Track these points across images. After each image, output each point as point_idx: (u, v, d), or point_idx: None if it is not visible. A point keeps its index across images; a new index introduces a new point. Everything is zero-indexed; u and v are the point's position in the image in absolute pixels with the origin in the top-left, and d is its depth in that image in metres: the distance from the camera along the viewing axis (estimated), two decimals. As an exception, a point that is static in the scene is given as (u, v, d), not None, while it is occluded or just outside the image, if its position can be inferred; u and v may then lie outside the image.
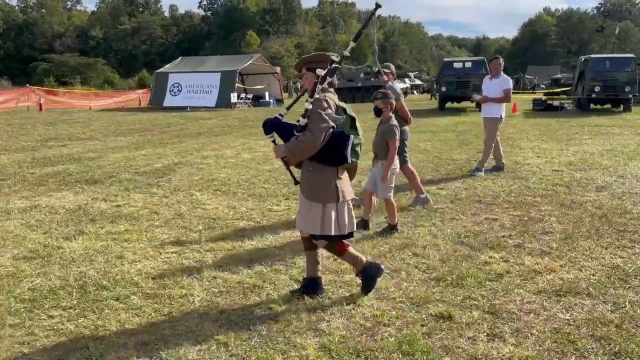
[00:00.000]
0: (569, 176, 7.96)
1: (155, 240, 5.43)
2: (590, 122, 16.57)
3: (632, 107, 19.78)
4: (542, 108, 21.74)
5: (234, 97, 27.16)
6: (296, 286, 4.04)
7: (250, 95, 29.48)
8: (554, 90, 27.62)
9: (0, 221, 6.39)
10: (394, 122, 5.34)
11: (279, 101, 31.70)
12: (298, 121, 3.50)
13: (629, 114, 19.25)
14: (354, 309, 3.64)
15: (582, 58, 21.98)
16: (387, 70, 6.39)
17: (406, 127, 6.37)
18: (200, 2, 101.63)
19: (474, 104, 23.26)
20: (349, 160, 3.53)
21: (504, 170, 8.50)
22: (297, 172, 3.83)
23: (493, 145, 8.51)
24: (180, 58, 31.87)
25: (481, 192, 7.14)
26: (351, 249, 3.83)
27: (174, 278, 4.33)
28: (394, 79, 6.46)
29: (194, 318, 3.59)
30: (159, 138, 15.34)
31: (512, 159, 9.72)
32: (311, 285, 3.85)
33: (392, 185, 5.48)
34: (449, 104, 23.28)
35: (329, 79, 3.50)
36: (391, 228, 5.42)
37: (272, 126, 3.63)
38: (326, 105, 3.45)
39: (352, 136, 3.51)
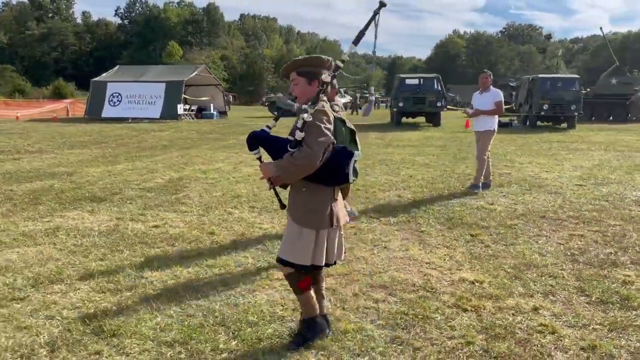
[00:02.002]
0: (597, 191, 8.16)
1: (246, 265, 4.86)
2: (550, 138, 17.40)
3: (576, 124, 21.09)
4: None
5: (180, 109, 25.98)
6: (464, 318, 3.71)
7: (194, 107, 28.33)
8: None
9: (28, 246, 5.52)
10: None
11: (222, 113, 30.81)
12: (293, 135, 2.98)
13: (574, 130, 20.49)
14: (558, 340, 3.37)
15: (530, 77, 23.20)
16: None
17: None
18: (116, 10, 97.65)
19: (424, 120, 23.90)
20: (351, 180, 3.07)
21: (490, 188, 8.34)
22: (283, 193, 3.28)
23: (486, 159, 8.35)
24: (117, 67, 30.03)
25: (533, 207, 7.11)
26: (312, 292, 3.29)
27: (319, 310, 3.83)
28: (336, 94, 6.07)
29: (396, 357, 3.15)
30: (124, 151, 14.24)
31: (523, 172, 9.89)
32: (311, 327, 3.33)
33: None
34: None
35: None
36: None
37: (258, 140, 3.11)
38: (326, 117, 2.99)
39: (356, 152, 3.07)
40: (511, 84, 36.45)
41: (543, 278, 4.47)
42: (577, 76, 22.92)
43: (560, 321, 3.63)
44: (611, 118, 26.92)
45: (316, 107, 2.94)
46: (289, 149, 2.97)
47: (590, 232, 5.90)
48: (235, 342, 3.33)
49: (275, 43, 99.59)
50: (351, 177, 3.06)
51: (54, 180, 9.52)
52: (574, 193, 7.99)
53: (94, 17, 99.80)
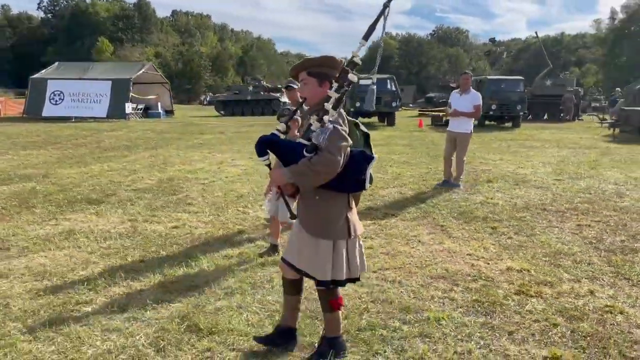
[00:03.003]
0: (576, 185, 8.76)
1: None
2: (503, 136, 18.32)
3: (520, 123, 22.32)
4: (441, 124, 23.55)
5: (128, 108, 25.13)
6: (534, 303, 3.98)
7: (141, 106, 27.47)
8: (441, 108, 29.96)
9: (52, 250, 5.35)
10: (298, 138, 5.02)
11: (169, 112, 30.07)
12: (307, 139, 2.81)
13: (519, 129, 21.67)
14: (630, 319, 3.70)
15: (479, 79, 24.26)
16: (294, 86, 5.61)
17: None
18: (39, 4, 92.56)
19: (376, 119, 24.47)
20: (367, 187, 2.93)
21: (449, 186, 8.48)
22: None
23: (466, 158, 8.70)
24: (57, 63, 28.49)
25: (530, 200, 7.55)
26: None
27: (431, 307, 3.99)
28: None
29: (499, 340, 3.37)
30: (86, 151, 13.69)
31: (501, 169, 10.44)
32: (285, 337, 3.27)
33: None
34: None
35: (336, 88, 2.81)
36: (274, 248, 5.15)
37: (268, 145, 2.88)
38: (342, 120, 2.83)
39: (375, 157, 2.93)
40: (452, 85, 37.85)
41: (579, 265, 4.83)
42: (521, 78, 24.23)
43: (619, 302, 3.98)
44: (546, 117, 28.64)
45: (338, 110, 2.79)
46: (305, 153, 2.76)
47: (593, 222, 6.38)
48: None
49: (210, 40, 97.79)
50: (367, 184, 2.92)
51: (30, 182, 9.08)
52: (558, 187, 8.55)
53: (15, 11, 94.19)
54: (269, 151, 2.90)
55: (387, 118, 23.35)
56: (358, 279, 3.10)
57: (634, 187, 8.61)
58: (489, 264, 4.88)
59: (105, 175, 9.75)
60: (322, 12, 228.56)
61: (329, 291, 3.07)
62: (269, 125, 22.57)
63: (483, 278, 4.49)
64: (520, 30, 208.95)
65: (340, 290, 3.21)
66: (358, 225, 3.03)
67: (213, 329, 3.49)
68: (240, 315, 3.72)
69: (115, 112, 24.91)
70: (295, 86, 5.63)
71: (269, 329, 3.49)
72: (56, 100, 25.15)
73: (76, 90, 25.22)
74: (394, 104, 22.66)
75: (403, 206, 7.25)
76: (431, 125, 23.78)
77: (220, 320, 3.62)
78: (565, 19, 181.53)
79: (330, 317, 3.14)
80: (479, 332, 3.47)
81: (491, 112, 21.87)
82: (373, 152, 3.01)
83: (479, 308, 3.86)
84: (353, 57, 2.79)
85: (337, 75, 2.82)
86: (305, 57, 3.00)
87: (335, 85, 2.80)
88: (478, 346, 3.29)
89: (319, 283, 3.03)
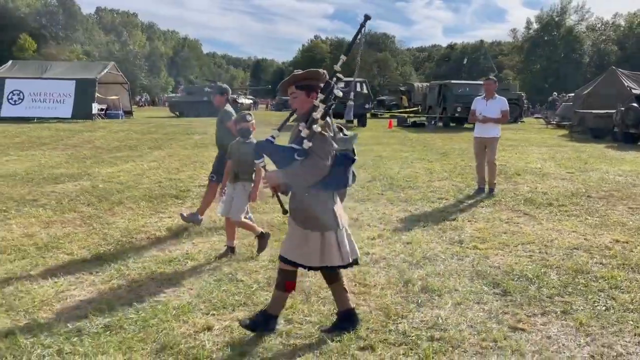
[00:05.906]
0: (590, 176, 10.04)
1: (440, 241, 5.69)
2: (474, 136, 19.79)
3: (482, 125, 24.09)
4: (408, 125, 24.98)
5: (95, 108, 24.55)
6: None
7: (104, 106, 26.87)
8: (407, 110, 31.46)
9: (209, 236, 5.80)
10: (254, 141, 4.97)
11: (128, 113, 29.50)
12: (298, 144, 3.16)
13: (481, 130, 23.40)
14: None
15: (444, 83, 25.86)
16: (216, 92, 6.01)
17: None
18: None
19: (344, 120, 25.42)
20: (350, 184, 3.39)
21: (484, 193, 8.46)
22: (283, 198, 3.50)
23: (496, 161, 8.78)
24: (11, 62, 27.10)
25: (568, 189, 8.64)
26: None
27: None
28: (226, 101, 6.05)
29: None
30: (93, 152, 13.61)
31: (515, 164, 11.60)
32: (348, 319, 3.56)
33: (247, 206, 5.24)
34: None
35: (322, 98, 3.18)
36: (231, 250, 5.21)
37: (263, 150, 3.29)
38: (328, 127, 3.22)
39: (356, 158, 3.34)
40: (401, 89, 39.82)
41: (661, 237, 5.93)
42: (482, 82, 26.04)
43: None
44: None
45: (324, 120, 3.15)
46: (297, 157, 3.15)
47: (638, 205, 7.57)
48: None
49: (138, 40, 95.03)
50: (350, 182, 3.36)
51: (82, 181, 9.24)
52: (577, 179, 9.79)
53: None
54: (264, 155, 3.30)
55: (360, 119, 24.41)
56: (351, 265, 3.45)
57: (638, 177, 10.04)
58: (596, 237, 5.85)
59: (153, 174, 9.98)
60: (246, 14, 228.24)
61: (290, 273, 3.45)
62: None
63: (605, 248, 5.45)
64: (437, 37, 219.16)
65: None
66: (344, 217, 3.44)
67: (439, 291, 4.21)
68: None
69: (80, 112, 24.27)
70: (220, 92, 6.00)
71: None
72: (15, 100, 24.10)
73: (37, 89, 24.29)
74: (366, 106, 23.76)
75: (468, 195, 8.17)
76: (398, 126, 25.10)
77: (445, 284, 4.34)
78: (478, 27, 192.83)
79: (279, 296, 3.52)
80: (652, 287, 4.41)
81: (457, 115, 23.49)
82: (356, 153, 3.38)
83: (631, 268, 4.81)
84: (336, 72, 3.22)
85: (322, 86, 3.24)
86: (292, 73, 3.36)
87: (320, 96, 3.19)
88: (664, 292, 4.23)
89: (293, 265, 3.40)
